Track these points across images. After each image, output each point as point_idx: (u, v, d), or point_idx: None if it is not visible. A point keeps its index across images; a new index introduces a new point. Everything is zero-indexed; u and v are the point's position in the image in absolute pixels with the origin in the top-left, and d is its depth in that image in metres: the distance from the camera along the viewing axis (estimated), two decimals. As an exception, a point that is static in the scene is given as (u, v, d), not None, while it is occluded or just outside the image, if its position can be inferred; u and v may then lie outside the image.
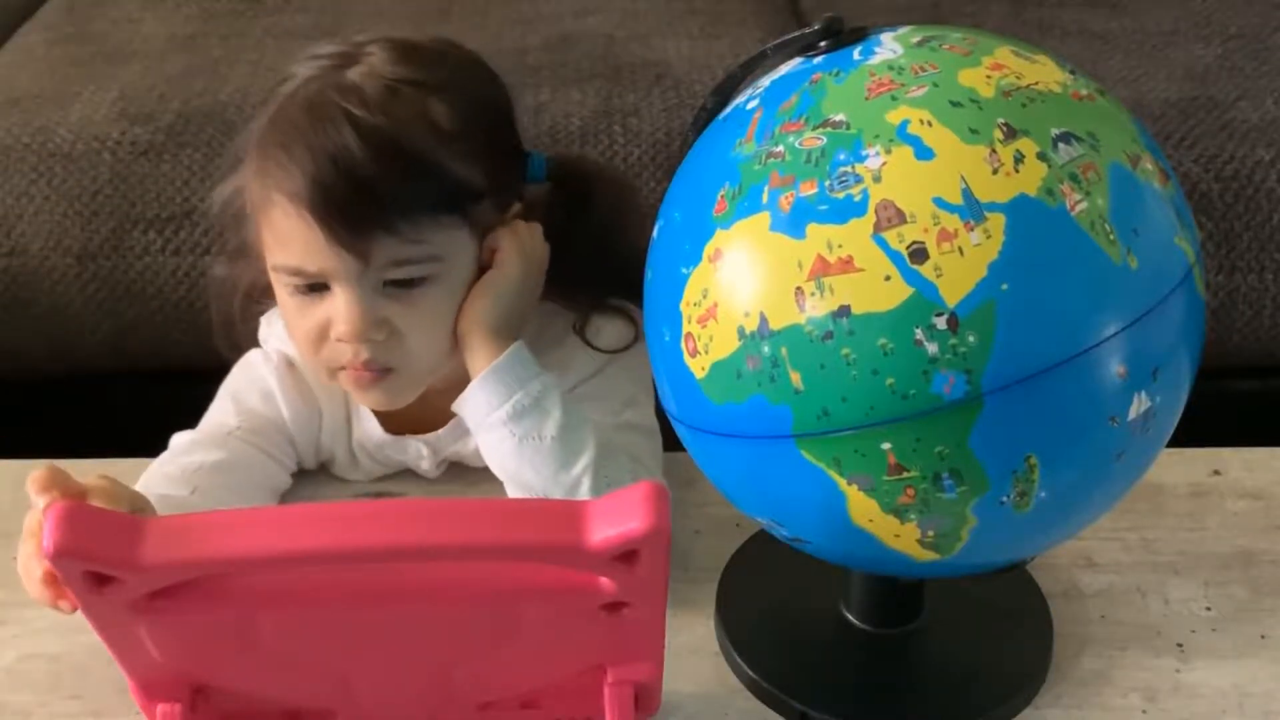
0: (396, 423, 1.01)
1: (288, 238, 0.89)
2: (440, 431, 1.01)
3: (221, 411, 1.00)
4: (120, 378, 1.61)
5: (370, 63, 0.90)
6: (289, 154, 0.87)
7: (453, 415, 0.98)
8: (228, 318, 1.03)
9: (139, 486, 0.92)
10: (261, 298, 1.01)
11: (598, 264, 0.98)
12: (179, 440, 0.97)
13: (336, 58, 0.91)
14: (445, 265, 0.92)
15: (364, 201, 0.87)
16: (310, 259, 0.89)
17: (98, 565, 0.64)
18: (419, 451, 1.02)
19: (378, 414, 1.01)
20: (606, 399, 0.98)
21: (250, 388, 1.00)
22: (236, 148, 0.95)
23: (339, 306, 0.90)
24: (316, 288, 0.91)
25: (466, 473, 1.04)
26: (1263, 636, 0.91)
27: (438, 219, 0.90)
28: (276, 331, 1.02)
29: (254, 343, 1.04)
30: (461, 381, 0.95)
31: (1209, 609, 0.93)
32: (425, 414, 1.00)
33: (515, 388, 0.92)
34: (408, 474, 1.05)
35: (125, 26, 1.86)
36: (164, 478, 0.94)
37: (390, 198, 0.87)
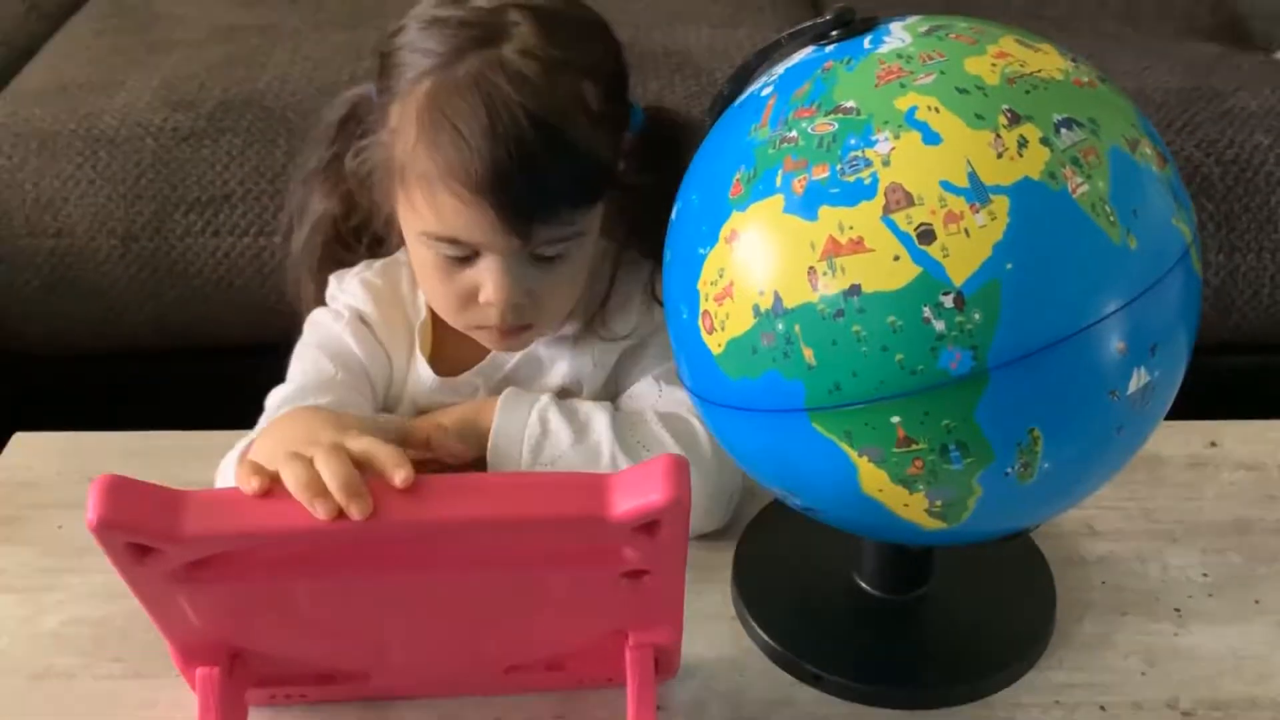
0: (449, 364, 1.03)
1: (450, 213, 0.90)
2: (482, 364, 1.03)
3: (313, 362, 1.00)
4: (161, 355, 1.62)
5: (521, 37, 0.90)
6: (468, 141, 0.87)
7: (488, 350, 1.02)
8: (312, 251, 1.04)
9: (258, 438, 0.91)
10: (357, 240, 1.03)
11: None
12: (282, 391, 0.97)
13: (478, 28, 0.90)
14: (585, 237, 0.95)
15: (537, 192, 0.88)
16: (470, 234, 0.91)
17: (140, 537, 0.66)
18: (472, 385, 1.03)
19: (435, 358, 1.03)
20: (662, 351, 1.01)
21: (332, 342, 1.01)
22: (373, 112, 0.95)
23: (490, 277, 0.92)
24: (464, 256, 0.93)
25: None
26: (1257, 601, 0.92)
27: (590, 201, 0.93)
28: (348, 288, 1.03)
29: (322, 292, 1.05)
30: None
31: (1206, 575, 0.94)
32: (477, 351, 1.02)
33: (520, 439, 0.95)
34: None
35: (168, 18, 1.87)
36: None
37: (560, 190, 0.90)
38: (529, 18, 0.91)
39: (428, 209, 0.91)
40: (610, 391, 1.05)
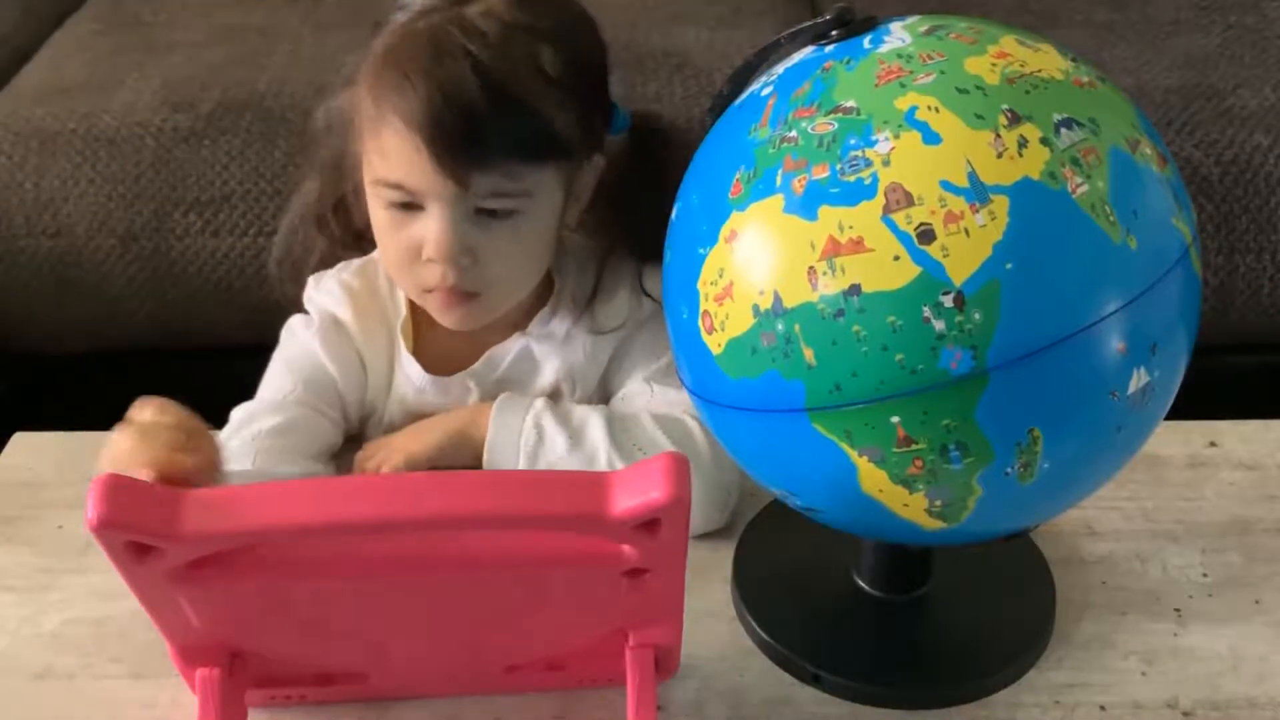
0: (436, 363, 1.04)
1: (395, 155, 0.92)
2: (476, 366, 1.03)
3: (277, 377, 1.02)
4: (161, 355, 1.63)
5: (489, 2, 0.93)
6: (410, 80, 0.90)
7: (485, 350, 1.03)
8: (296, 236, 1.06)
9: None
10: (336, 222, 1.04)
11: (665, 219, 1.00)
12: (238, 414, 0.99)
13: None
14: (533, 202, 0.95)
15: (473, 136, 0.90)
16: (413, 177, 0.92)
17: (139, 536, 0.66)
18: (465, 387, 1.04)
19: (419, 358, 1.03)
20: (651, 346, 1.02)
21: (299, 353, 1.03)
22: (348, 69, 0.98)
23: (431, 228, 0.93)
24: (411, 206, 0.94)
25: None
26: (1256, 601, 0.93)
27: (534, 160, 0.93)
28: (325, 288, 1.04)
29: (302, 277, 1.06)
30: (509, 318, 1.01)
31: (1205, 575, 0.95)
32: (465, 350, 1.03)
33: (516, 447, 0.96)
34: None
35: (168, 18, 1.88)
36: (229, 454, 0.95)
37: (496, 136, 0.91)
38: None
39: (375, 151, 0.93)
40: (603, 391, 1.05)
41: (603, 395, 1.05)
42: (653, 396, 1.00)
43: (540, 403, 0.98)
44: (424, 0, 0.94)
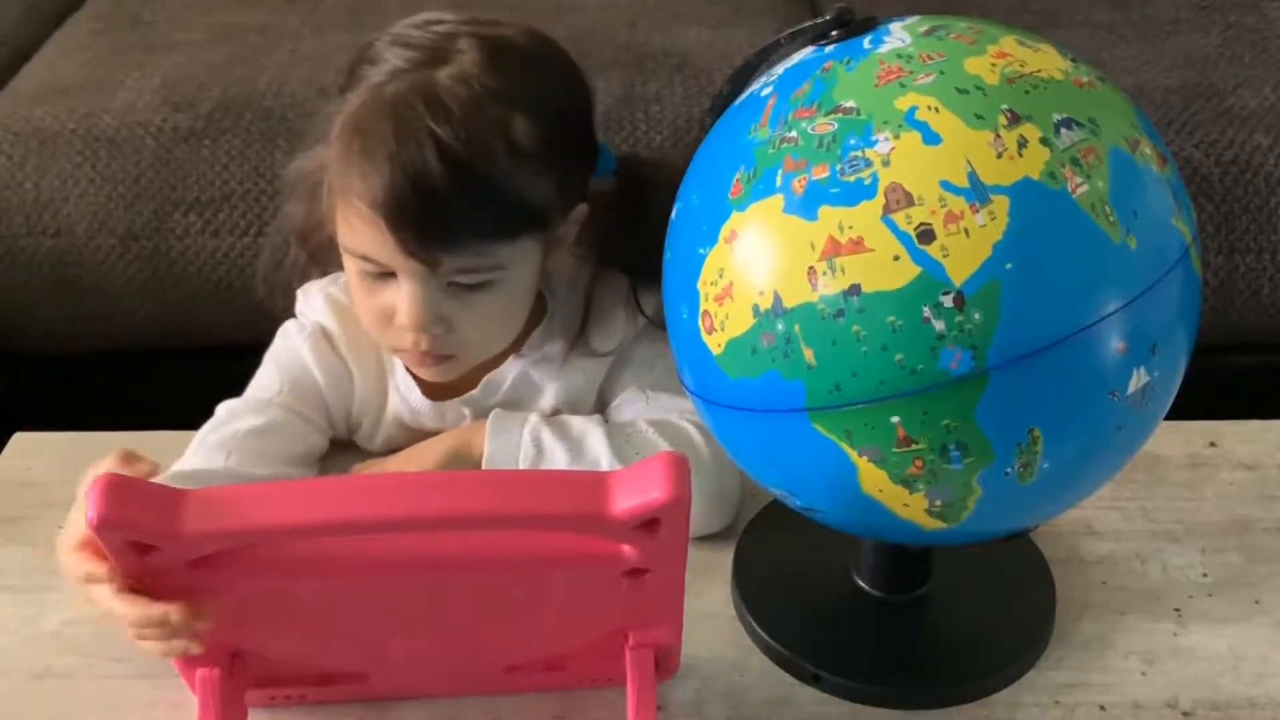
0: (433, 388, 1.03)
1: (361, 231, 0.90)
2: (474, 393, 1.03)
3: (266, 377, 1.02)
4: (161, 354, 1.63)
5: (461, 63, 0.90)
6: (371, 161, 0.87)
7: (481, 374, 1.01)
8: (280, 258, 1.05)
9: (185, 457, 0.95)
10: (321, 250, 1.01)
11: (658, 247, 0.98)
12: (222, 410, 0.99)
13: (426, 51, 0.91)
14: (508, 272, 0.93)
15: (437, 223, 0.88)
16: (377, 253, 0.90)
17: (140, 535, 0.66)
18: (460, 413, 1.03)
19: (418, 381, 1.02)
20: (646, 359, 1.01)
21: (289, 356, 1.02)
22: (321, 122, 0.95)
23: (403, 299, 0.92)
24: (383, 275, 0.92)
25: None
26: (1256, 602, 0.93)
27: (506, 237, 0.91)
28: (313, 304, 1.04)
29: (291, 290, 1.06)
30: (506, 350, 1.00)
31: (1205, 575, 0.95)
32: (462, 379, 1.02)
33: (515, 462, 0.95)
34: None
35: (167, 18, 1.88)
36: (205, 451, 0.95)
37: (463, 222, 0.88)
38: (477, 46, 0.91)
39: (342, 223, 0.92)
40: (600, 408, 1.04)
41: (600, 411, 1.04)
42: (648, 403, 1.00)
43: (535, 417, 0.97)
44: (397, 58, 0.91)
